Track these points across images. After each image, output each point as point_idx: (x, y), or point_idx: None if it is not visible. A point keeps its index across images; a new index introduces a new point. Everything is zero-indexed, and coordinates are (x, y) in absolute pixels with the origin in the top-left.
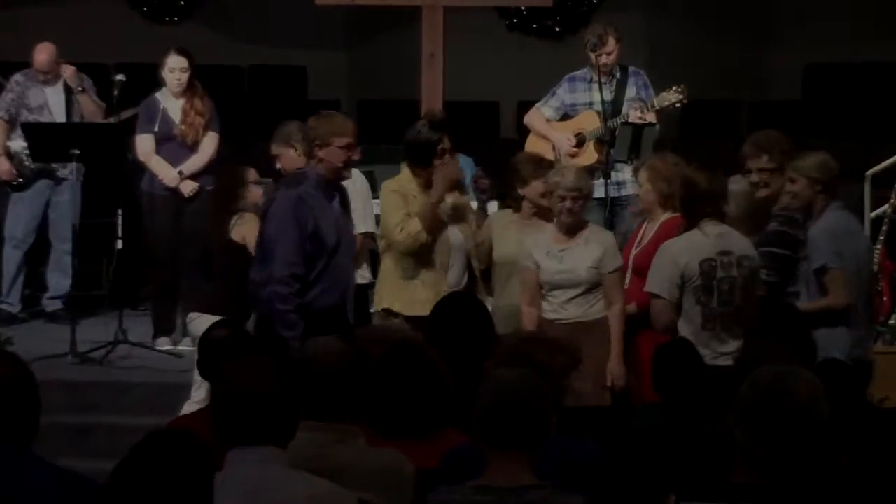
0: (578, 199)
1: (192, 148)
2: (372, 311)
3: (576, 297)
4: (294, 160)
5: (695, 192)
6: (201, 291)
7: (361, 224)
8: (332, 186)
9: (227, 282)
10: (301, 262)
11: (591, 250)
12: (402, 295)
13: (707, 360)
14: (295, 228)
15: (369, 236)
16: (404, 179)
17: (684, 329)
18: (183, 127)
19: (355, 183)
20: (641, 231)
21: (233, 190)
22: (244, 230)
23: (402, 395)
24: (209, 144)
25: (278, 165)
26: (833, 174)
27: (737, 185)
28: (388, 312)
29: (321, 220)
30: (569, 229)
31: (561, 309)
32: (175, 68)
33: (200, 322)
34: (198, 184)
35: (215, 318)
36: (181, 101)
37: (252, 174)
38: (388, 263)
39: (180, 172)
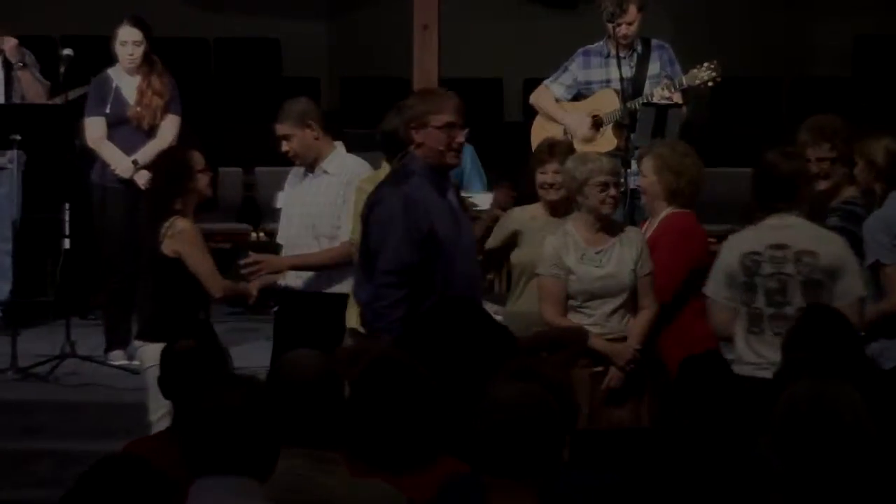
0: (619, 187)
1: (149, 133)
2: None
3: (619, 307)
4: (310, 142)
5: (765, 181)
6: (140, 314)
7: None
8: (442, 176)
9: (162, 305)
10: (414, 269)
11: (629, 251)
12: None
13: (752, 370)
14: (406, 233)
15: None
16: (382, 175)
17: (738, 331)
18: (138, 109)
19: (348, 176)
20: (643, 230)
21: (175, 182)
22: (176, 244)
23: (385, 422)
24: (168, 129)
25: (285, 148)
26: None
27: None
28: (353, 333)
29: (436, 218)
30: (606, 225)
31: (603, 322)
32: (127, 41)
33: (145, 351)
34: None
35: (161, 347)
36: (137, 80)
37: (198, 160)
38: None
39: (135, 162)
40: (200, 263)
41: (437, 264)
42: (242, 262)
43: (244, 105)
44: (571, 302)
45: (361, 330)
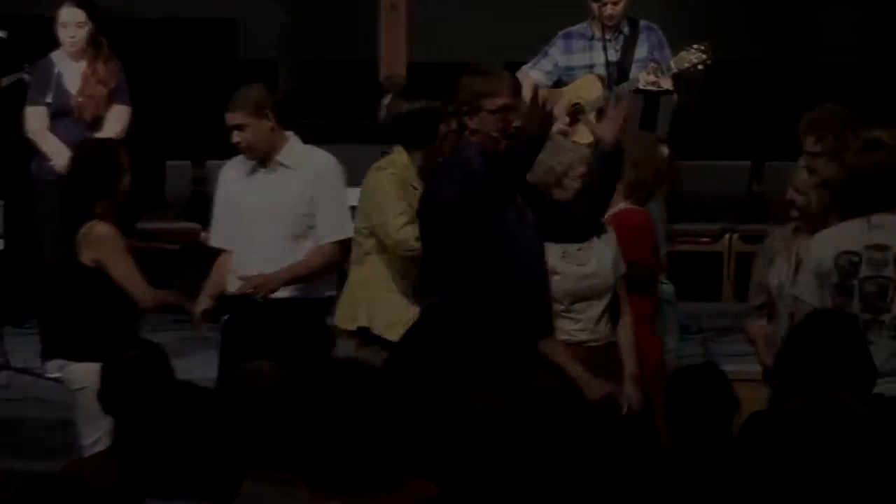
0: None
1: (93, 125)
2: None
3: (605, 309)
4: (266, 133)
5: (859, 178)
6: (62, 329)
7: (336, 228)
8: None
9: (87, 320)
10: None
11: (608, 249)
12: (386, 312)
13: None
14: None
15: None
16: (401, 163)
17: None
18: (80, 99)
19: (315, 171)
20: None
21: (98, 181)
22: (96, 252)
23: (346, 439)
24: (116, 120)
25: (237, 139)
26: None
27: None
28: (362, 334)
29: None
30: None
31: (592, 327)
32: (69, 22)
33: (74, 371)
34: None
35: (90, 366)
36: (82, 66)
37: (125, 156)
38: (368, 270)
39: None
40: (125, 271)
41: (498, 257)
42: (238, 290)
43: (194, 92)
44: (555, 306)
45: (373, 330)
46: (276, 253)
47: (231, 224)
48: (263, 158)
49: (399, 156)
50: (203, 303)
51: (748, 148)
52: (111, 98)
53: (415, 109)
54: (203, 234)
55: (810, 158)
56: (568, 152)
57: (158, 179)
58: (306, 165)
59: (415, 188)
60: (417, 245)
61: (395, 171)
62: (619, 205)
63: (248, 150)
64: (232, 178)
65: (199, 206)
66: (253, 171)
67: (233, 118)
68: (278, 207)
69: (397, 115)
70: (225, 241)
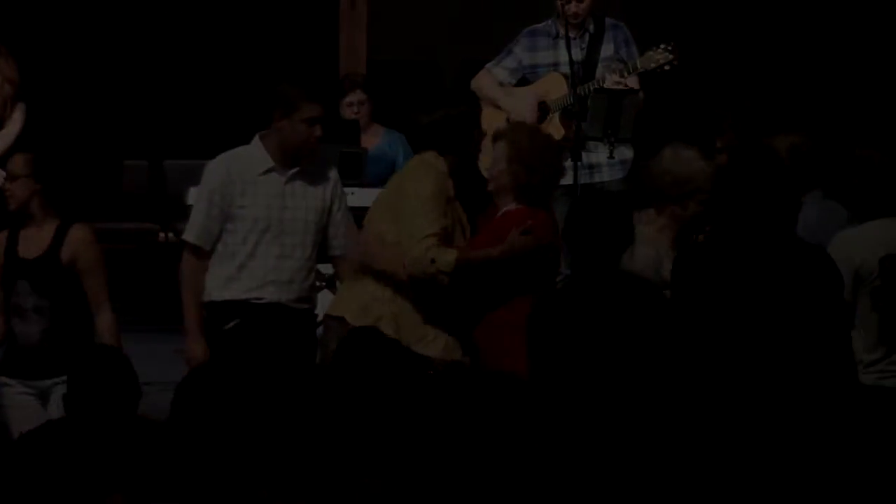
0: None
1: None
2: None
3: None
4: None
5: (871, 184)
6: None
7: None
8: None
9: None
10: None
11: None
12: (413, 328)
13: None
14: None
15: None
16: (440, 170)
17: (857, 340)
18: None
19: (332, 174)
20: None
21: None
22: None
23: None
24: (19, 119)
25: (319, 133)
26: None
27: None
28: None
29: None
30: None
31: None
32: None
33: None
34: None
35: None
36: None
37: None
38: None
39: None
40: None
41: None
42: None
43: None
44: None
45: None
46: (304, 263)
47: (240, 228)
48: (294, 160)
49: (438, 161)
50: (200, 345)
51: (710, 147)
52: (14, 97)
53: (452, 113)
54: (161, 235)
55: (716, 155)
56: (700, 171)
57: (116, 179)
58: (325, 172)
59: (450, 199)
60: (431, 269)
61: (439, 179)
62: (508, 206)
63: (318, 144)
64: (246, 179)
65: (157, 205)
66: (267, 172)
67: (322, 110)
68: (305, 214)
69: (433, 119)
70: (210, 243)
